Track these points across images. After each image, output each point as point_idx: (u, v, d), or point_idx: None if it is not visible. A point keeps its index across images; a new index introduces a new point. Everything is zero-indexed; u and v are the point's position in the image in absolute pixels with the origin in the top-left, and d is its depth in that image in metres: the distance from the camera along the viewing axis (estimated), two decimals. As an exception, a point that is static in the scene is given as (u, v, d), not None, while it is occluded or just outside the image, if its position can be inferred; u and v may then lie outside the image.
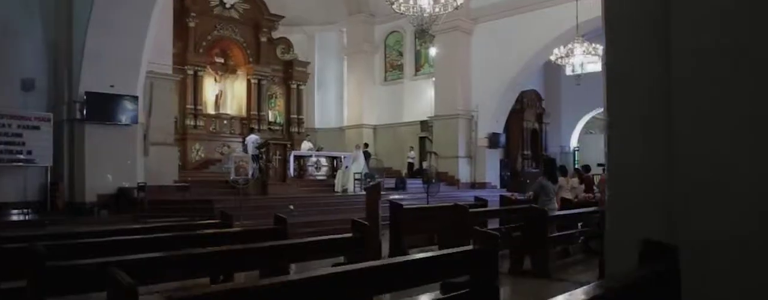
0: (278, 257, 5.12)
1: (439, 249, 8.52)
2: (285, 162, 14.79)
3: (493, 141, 20.23)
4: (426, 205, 10.53)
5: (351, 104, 23.47)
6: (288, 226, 6.19)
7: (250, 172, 11.89)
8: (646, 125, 4.00)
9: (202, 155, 18.84)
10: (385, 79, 23.54)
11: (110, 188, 12.32)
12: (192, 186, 13.53)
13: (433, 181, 15.04)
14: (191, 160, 18.25)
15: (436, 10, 11.76)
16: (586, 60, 16.05)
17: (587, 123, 24.46)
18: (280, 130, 21.02)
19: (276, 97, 21.39)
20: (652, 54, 3.90)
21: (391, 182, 17.78)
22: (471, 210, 7.96)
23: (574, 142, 24.31)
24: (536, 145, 22.55)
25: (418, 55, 22.68)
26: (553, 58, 16.20)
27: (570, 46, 15.77)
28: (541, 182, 8.29)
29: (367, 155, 16.98)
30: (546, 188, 8.27)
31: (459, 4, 11.27)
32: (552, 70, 23.28)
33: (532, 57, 19.52)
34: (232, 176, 11.49)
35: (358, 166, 16.12)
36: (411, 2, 11.70)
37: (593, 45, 15.58)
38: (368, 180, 15.77)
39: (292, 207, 10.59)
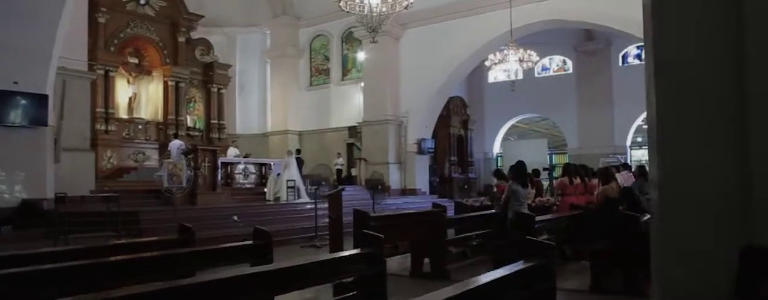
0: (182, 265, 4.65)
1: (413, 258, 7.89)
2: (215, 169, 13.55)
3: (422, 147, 19.90)
4: (395, 213, 9.80)
5: (275, 109, 22.35)
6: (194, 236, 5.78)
7: (185, 180, 10.66)
8: (711, 122, 3.54)
9: (115, 163, 17.03)
10: (311, 84, 22.65)
11: (13, 201, 10.60)
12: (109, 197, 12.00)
13: (380, 187, 14.38)
14: (103, 168, 16.41)
15: (384, 9, 11.15)
16: (520, 66, 15.98)
17: (508, 130, 24.84)
18: (199, 135, 19.53)
19: (195, 101, 19.88)
20: (719, 33, 3.46)
21: (308, 189, 16.96)
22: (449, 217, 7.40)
23: (497, 149, 24.55)
24: (462, 151, 22.52)
25: (345, 60, 22.00)
26: (487, 63, 16.08)
27: (505, 52, 15.70)
28: (512, 187, 7.85)
29: (299, 161, 16.03)
30: (517, 193, 7.84)
31: (409, 3, 10.72)
32: (475, 78, 23.46)
33: (462, 63, 19.44)
34: (166, 184, 10.22)
35: (291, 173, 15.15)
36: (357, 0, 11.02)
37: (528, 51, 15.61)
38: (312, 187, 14.87)
39: (236, 217, 9.56)
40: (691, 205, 3.56)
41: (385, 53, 19.75)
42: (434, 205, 10.06)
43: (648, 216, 6.79)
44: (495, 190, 11.03)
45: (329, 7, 22.05)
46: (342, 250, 7.95)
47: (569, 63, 22.93)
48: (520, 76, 23.93)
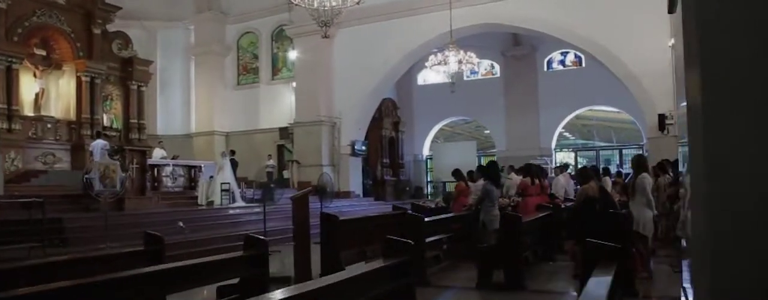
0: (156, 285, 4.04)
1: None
2: (144, 172, 12.36)
3: (355, 149, 19.42)
4: (363, 216, 9.20)
5: (200, 109, 21.04)
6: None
7: (119, 183, 9.52)
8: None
9: (19, 165, 15.22)
10: (239, 83, 21.55)
11: None
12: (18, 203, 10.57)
13: (328, 190, 13.70)
14: (6, 171, 14.55)
15: (335, 3, 10.62)
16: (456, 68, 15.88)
17: (438, 132, 24.89)
18: (117, 136, 17.92)
19: (112, 99, 18.24)
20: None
21: (254, 192, 16.06)
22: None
23: (426, 151, 24.52)
24: (394, 154, 22.25)
25: (275, 59, 21.12)
26: (428, 64, 15.87)
27: (446, 53, 15.54)
28: (487, 187, 7.57)
29: (234, 163, 15.06)
30: (491, 194, 7.57)
31: (362, -1, 10.25)
32: (405, 80, 23.28)
33: (396, 64, 19.17)
34: (97, 188, 9.06)
35: (225, 175, 14.18)
36: (308, -7, 10.42)
37: (468, 53, 15.56)
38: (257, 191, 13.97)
39: (181, 224, 8.63)
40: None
41: (318, 53, 19.12)
42: (395, 207, 9.65)
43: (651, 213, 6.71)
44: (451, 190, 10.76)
45: (258, 4, 21.28)
46: (309, 257, 7.32)
47: (497, 67, 23.29)
48: (451, 79, 24.19)
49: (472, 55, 15.64)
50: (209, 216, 12.17)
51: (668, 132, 15.36)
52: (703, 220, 3.20)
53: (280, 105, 20.52)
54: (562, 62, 22.54)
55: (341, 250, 7.23)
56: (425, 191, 23.96)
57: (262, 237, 5.40)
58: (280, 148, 20.49)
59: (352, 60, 19.01)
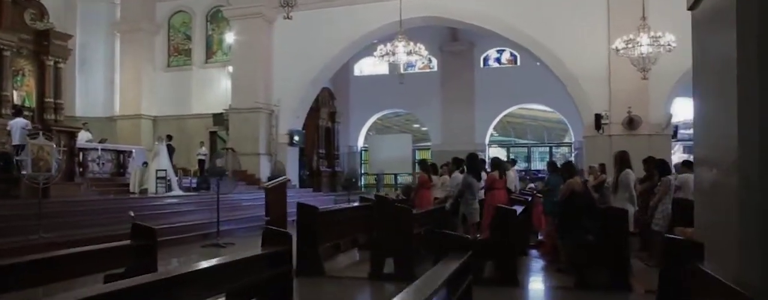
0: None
1: (374, 258, 6.95)
2: (74, 155, 11.15)
3: (293, 138, 18.71)
4: (341, 207, 8.65)
5: (125, 90, 19.47)
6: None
7: (54, 167, 8.41)
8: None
9: None
10: (169, 65, 20.15)
11: None
12: None
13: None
14: None
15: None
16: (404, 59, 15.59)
17: (372, 124, 24.59)
18: (30, 115, 16.16)
19: (24, 75, 16.37)
20: None
21: (188, 181, 15.12)
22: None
23: (361, 143, 24.16)
24: (329, 144, 21.71)
25: (209, 41, 19.91)
26: (377, 54, 15.45)
27: (395, 43, 15.20)
28: (468, 179, 7.33)
29: (170, 149, 14.00)
30: (472, 186, 7.34)
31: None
32: (341, 70, 22.74)
33: (338, 53, 18.61)
34: (29, 171, 7.93)
35: (161, 162, 13.15)
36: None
37: (418, 44, 15.30)
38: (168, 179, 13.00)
39: (132, 213, 7.75)
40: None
41: (257, 37, 18.22)
42: (362, 199, 9.23)
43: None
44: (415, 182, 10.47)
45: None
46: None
47: (434, 61, 23.29)
48: (388, 71, 23.95)
49: (421, 46, 15.40)
50: (151, 205, 11.15)
51: (603, 131, 15.92)
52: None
53: (215, 90, 19.41)
54: (498, 60, 22.90)
55: (321, 243, 6.76)
56: (360, 183, 23.60)
57: (153, 227, 4.80)
58: (214, 135, 19.38)
59: (293, 46, 18.27)
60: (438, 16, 17.38)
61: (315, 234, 6.62)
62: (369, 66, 24.13)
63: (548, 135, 28.65)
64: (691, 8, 5.13)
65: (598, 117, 15.82)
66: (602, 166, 12.66)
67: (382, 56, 15.48)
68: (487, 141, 22.78)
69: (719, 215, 4.30)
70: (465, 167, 8.03)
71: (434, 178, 9.76)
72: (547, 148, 23.75)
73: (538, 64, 20.39)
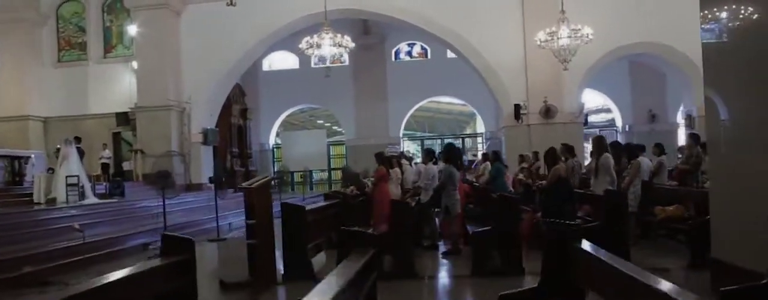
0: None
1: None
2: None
3: (208, 137, 17.50)
4: (320, 206, 7.98)
5: (7, 89, 17.09)
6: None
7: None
8: None
9: None
10: (60, 60, 18.00)
11: None
12: None
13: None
14: None
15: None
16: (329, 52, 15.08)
17: (284, 121, 23.76)
18: None
19: None
20: None
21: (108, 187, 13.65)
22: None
23: (272, 140, 23.23)
24: (242, 143, 20.60)
25: (108, 34, 18.05)
26: (302, 46, 14.80)
27: (320, 36, 14.63)
28: (450, 170, 7.08)
29: (80, 152, 12.46)
30: (453, 177, 7.12)
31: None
32: (250, 65, 21.70)
33: (252, 47, 17.66)
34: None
35: (70, 167, 11.65)
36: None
37: (344, 36, 14.86)
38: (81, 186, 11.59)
39: (77, 225, 6.62)
40: None
41: (163, 29, 16.80)
42: (327, 196, 8.71)
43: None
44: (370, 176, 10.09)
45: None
46: (274, 257, 6.11)
47: (346, 55, 22.89)
48: (298, 66, 23.23)
49: (348, 38, 14.99)
50: (59, 217, 9.73)
51: (522, 121, 16.46)
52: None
53: (116, 87, 17.65)
54: (409, 53, 23.01)
55: (308, 243, 6.22)
56: (272, 182, 22.68)
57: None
58: (117, 137, 17.64)
59: (204, 39, 17.06)
60: (359, 9, 17.04)
61: (303, 236, 6.07)
62: (279, 61, 23.27)
63: (454, 127, 29.41)
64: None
65: (517, 107, 16.33)
66: (535, 154, 13.06)
67: (307, 49, 14.89)
68: (401, 134, 22.82)
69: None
70: (441, 158, 7.81)
71: (392, 171, 9.46)
72: (460, 140, 24.28)
73: (455, 57, 20.76)
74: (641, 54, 16.64)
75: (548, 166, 6.89)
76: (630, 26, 15.38)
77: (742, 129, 4.70)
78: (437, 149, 20.67)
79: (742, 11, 4.72)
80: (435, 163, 8.08)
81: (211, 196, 15.23)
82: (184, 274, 3.75)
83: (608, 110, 21.48)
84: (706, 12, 5.14)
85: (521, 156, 13.51)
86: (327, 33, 14.61)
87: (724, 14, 4.97)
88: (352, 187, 10.30)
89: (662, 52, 15.83)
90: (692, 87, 16.18)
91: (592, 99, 20.64)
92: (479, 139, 24.03)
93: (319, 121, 29.42)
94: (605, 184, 6.86)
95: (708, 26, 5.16)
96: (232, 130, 19.86)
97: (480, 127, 26.01)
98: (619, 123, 21.02)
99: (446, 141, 24.49)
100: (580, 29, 13.48)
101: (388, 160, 9.57)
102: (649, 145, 9.29)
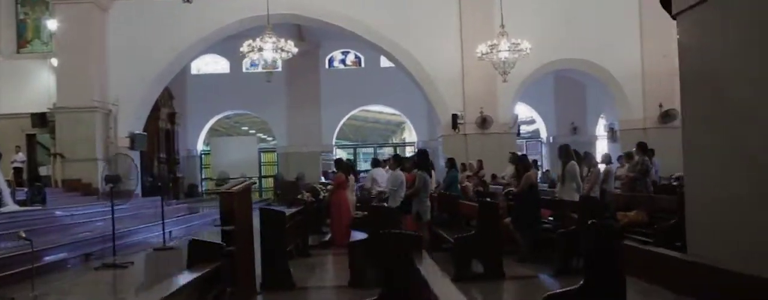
0: None
1: (353, 265, 6.23)
2: None
3: (135, 141, 16.42)
4: (292, 212, 7.55)
5: None
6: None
7: None
8: None
9: None
10: (-36, 54, 16.26)
11: None
12: None
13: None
14: None
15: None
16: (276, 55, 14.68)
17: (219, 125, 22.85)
18: None
19: None
20: None
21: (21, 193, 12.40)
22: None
23: (200, 146, 22.23)
24: (170, 148, 19.56)
25: (22, 27, 16.53)
26: (244, 49, 14.30)
27: (262, 39, 14.19)
28: (424, 177, 7.02)
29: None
30: (427, 183, 7.07)
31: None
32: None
33: (186, 49, 16.83)
34: None
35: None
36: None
37: (288, 41, 14.50)
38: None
39: (23, 234, 5.86)
40: None
41: (88, 26, 15.65)
42: (291, 203, 8.36)
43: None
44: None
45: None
46: (253, 266, 5.73)
47: (279, 61, 22.36)
48: (229, 70, 22.47)
49: (291, 42, 14.66)
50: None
51: (459, 130, 16.77)
52: None
53: (32, 85, 16.19)
54: (343, 61, 22.88)
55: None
56: (200, 189, 21.72)
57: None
58: (32, 139, 16.16)
59: (134, 38, 16.06)
60: (300, 15, 16.74)
61: (283, 243, 5.77)
62: (209, 64, 22.38)
63: (382, 136, 29.54)
64: (673, 16, 5.57)
65: (454, 117, 16.61)
66: (480, 163, 13.32)
67: (248, 52, 14.42)
68: (333, 142, 22.59)
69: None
70: (409, 164, 7.73)
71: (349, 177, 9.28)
72: (393, 149, 24.38)
73: (388, 66, 20.86)
74: (570, 69, 17.46)
75: (519, 173, 7.01)
76: (561, 42, 16.08)
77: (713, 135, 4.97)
78: (371, 157, 20.64)
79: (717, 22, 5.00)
80: (402, 170, 7.96)
81: (142, 204, 14.41)
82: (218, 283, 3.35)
83: (533, 121, 22.37)
84: (681, 21, 5.40)
85: (463, 164, 13.72)
86: (270, 37, 14.22)
87: (698, 22, 5.23)
88: (308, 195, 10.00)
89: (588, 69, 16.70)
90: (614, 101, 17.26)
91: (519, 110, 21.43)
92: (408, 149, 24.19)
93: (243, 128, 28.57)
94: (571, 190, 7.07)
95: (684, 40, 5.44)
96: (160, 135, 18.83)
97: (408, 136, 26.31)
98: (543, 134, 21.95)
99: (378, 149, 24.59)
100: (519, 43, 13.95)
101: (348, 167, 9.41)
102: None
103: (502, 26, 14.04)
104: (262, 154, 23.08)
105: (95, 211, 12.05)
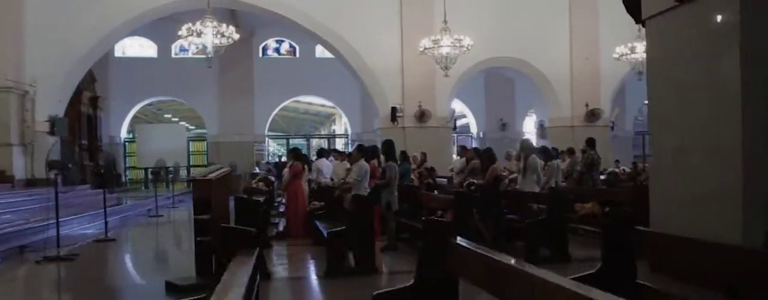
0: None
1: (332, 253, 6.03)
2: None
3: (55, 126, 15.18)
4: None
5: None
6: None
7: None
8: None
9: None
10: None
11: None
12: None
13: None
14: None
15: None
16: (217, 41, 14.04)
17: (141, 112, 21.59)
18: None
19: None
20: None
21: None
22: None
23: (124, 133, 20.93)
24: (92, 134, 18.24)
25: (-77, -3, 14.73)
26: (183, 33, 13.57)
27: (203, 23, 13.51)
28: (395, 167, 6.96)
29: None
30: (398, 174, 7.01)
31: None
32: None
33: (113, 30, 15.75)
34: None
35: None
36: None
37: (229, 26, 13.91)
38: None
39: None
40: None
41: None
42: (244, 191, 8.03)
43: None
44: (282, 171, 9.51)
45: None
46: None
47: (210, 47, 21.45)
48: (157, 54, 21.32)
49: (232, 28, 14.09)
50: None
51: (398, 123, 16.83)
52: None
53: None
54: (278, 50, 22.32)
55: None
56: (123, 178, 20.49)
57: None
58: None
59: (55, 15, 14.84)
60: (240, 0, 16.11)
61: (259, 233, 5.53)
62: (134, 47, 21.08)
63: (311, 127, 29.17)
64: (638, 22, 5.84)
65: (394, 110, 16.66)
66: (424, 155, 13.43)
67: (187, 36, 13.72)
68: (266, 132, 22.04)
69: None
70: (378, 154, 7.63)
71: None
72: (326, 140, 24.12)
73: (323, 57, 20.60)
74: (501, 67, 17.97)
75: (484, 165, 7.12)
76: (497, 41, 16.50)
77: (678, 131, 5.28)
78: (302, 149, 20.33)
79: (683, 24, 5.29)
80: (367, 161, 7.83)
81: (73, 193, 13.39)
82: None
83: (464, 116, 22.89)
84: (650, 26, 5.68)
85: (413, 156, 13.74)
86: (211, 21, 13.60)
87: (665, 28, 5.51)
88: (260, 183, 9.66)
89: (522, 68, 17.27)
90: (544, 99, 17.98)
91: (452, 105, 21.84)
92: (338, 141, 24.05)
93: (166, 116, 27.28)
94: (532, 182, 7.28)
95: (651, 42, 5.73)
96: (82, 120, 17.53)
97: (338, 127, 26.17)
98: (473, 129, 22.52)
99: (306, 141, 24.24)
100: (462, 39, 14.17)
101: (304, 157, 9.18)
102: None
103: (445, 22, 14.20)
104: (191, 142, 22.09)
105: (15, 201, 11.05)
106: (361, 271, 5.68)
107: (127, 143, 20.99)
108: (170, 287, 5.14)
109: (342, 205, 7.47)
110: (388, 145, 7.46)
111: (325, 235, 5.87)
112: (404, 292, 3.18)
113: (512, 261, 2.78)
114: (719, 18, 4.80)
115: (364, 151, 7.66)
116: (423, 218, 5.81)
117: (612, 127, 17.21)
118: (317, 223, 7.20)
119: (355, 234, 5.76)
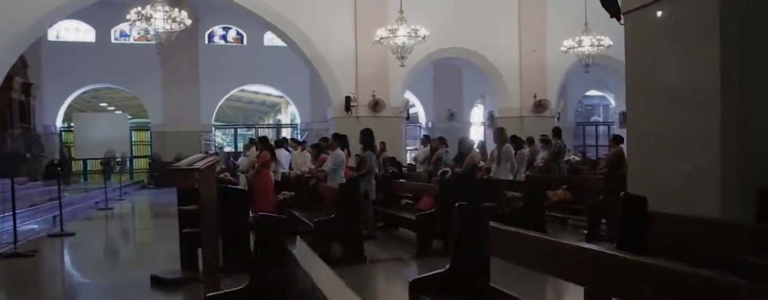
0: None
1: (317, 241, 5.87)
2: None
3: (-14, 114, 14.09)
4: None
5: None
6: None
7: None
8: None
9: None
10: None
11: None
12: None
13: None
14: None
15: None
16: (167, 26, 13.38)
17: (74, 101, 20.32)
18: None
19: None
20: None
21: None
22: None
23: (59, 122, 19.67)
24: (25, 122, 16.99)
25: None
26: (132, 17, 12.85)
27: (153, 7, 12.84)
28: (373, 156, 6.87)
29: None
30: (376, 163, 6.93)
31: None
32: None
33: (51, 11, 14.73)
34: None
35: None
36: None
37: (181, 11, 13.28)
38: None
39: None
40: None
41: None
42: (223, 181, 7.72)
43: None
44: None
45: None
46: (218, 250, 5.16)
47: (153, 33, 20.46)
48: (95, 39, 20.16)
49: (185, 14, 13.46)
50: None
51: (352, 112, 16.70)
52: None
53: None
54: (224, 37, 21.59)
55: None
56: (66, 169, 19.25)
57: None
58: None
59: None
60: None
61: (246, 225, 5.33)
62: (69, 31, 19.80)
63: (257, 117, 28.51)
64: (615, 17, 6.02)
65: (348, 99, 16.51)
66: (383, 144, 13.38)
67: (136, 21, 13.02)
68: (213, 121, 21.33)
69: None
70: (360, 143, 7.51)
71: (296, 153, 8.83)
72: (275, 130, 23.62)
73: (272, 45, 20.13)
74: (451, 58, 18.16)
75: (462, 154, 7.16)
76: (448, 31, 16.61)
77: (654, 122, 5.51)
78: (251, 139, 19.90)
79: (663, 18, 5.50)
80: (342, 149, 7.69)
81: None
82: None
83: (413, 106, 22.99)
84: (628, 20, 5.86)
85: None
86: (162, 5, 12.95)
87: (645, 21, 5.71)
88: (226, 173, 9.33)
89: (472, 58, 17.51)
90: (493, 90, 18.32)
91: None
92: (285, 130, 23.59)
93: (102, 104, 25.89)
94: (506, 170, 7.40)
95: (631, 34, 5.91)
96: (13, 108, 16.30)
97: (284, 117, 25.72)
98: (422, 119, 22.69)
99: (260, 130, 23.65)
100: (418, 30, 14.17)
101: (271, 146, 8.95)
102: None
103: (401, 12, 14.16)
104: (133, 132, 21.07)
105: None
106: (349, 261, 5.60)
107: (62, 132, 19.74)
108: (156, 281, 4.87)
109: (318, 194, 7.32)
110: (367, 134, 7.36)
111: (312, 224, 5.72)
112: (440, 277, 3.14)
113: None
114: (698, 10, 5.00)
115: (339, 140, 7.53)
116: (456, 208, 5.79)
117: (558, 118, 17.77)
118: (296, 213, 7.02)
119: (341, 223, 5.66)
